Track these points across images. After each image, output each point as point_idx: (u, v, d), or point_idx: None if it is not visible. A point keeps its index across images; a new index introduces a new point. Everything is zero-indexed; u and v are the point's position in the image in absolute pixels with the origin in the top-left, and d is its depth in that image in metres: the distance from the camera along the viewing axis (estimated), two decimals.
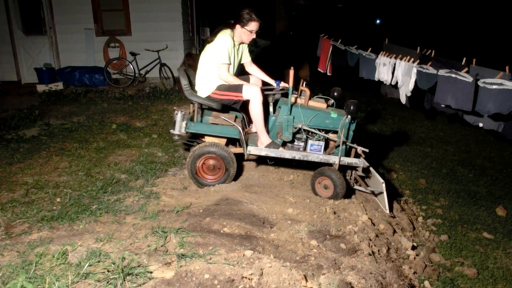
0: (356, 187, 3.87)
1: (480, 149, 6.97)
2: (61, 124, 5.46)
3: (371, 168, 3.76)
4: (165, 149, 4.65)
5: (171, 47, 8.48)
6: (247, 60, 3.98)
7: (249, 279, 2.02)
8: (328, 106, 3.78)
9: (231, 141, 3.82)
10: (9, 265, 2.13)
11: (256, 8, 3.57)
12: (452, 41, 14.40)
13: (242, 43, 3.74)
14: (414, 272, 2.97)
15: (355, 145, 3.55)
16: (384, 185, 3.51)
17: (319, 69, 6.96)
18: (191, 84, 3.69)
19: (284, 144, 3.68)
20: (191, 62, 8.48)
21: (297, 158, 3.58)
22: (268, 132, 3.69)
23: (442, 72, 4.21)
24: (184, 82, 3.59)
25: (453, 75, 4.06)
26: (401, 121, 8.37)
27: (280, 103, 3.74)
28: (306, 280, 2.12)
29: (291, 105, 3.54)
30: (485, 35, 16.37)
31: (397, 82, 5.17)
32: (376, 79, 5.54)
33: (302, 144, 3.64)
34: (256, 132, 3.82)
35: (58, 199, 3.25)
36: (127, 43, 8.45)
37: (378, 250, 2.85)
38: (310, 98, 3.74)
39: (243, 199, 3.28)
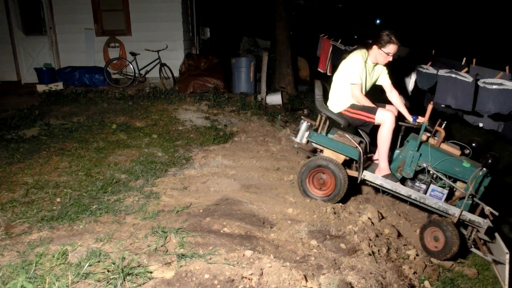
0: (473, 249, 3.44)
1: (480, 149, 6.95)
2: (61, 124, 5.45)
3: (496, 234, 3.36)
4: (165, 149, 4.65)
5: (171, 47, 8.48)
6: (386, 82, 3.73)
7: (249, 279, 2.02)
8: (462, 154, 3.46)
9: (345, 164, 3.66)
10: (9, 265, 2.13)
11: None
12: (452, 41, 14.40)
13: (377, 64, 3.60)
14: (414, 272, 2.97)
15: (483, 203, 3.18)
16: (508, 255, 3.06)
17: (319, 69, 6.96)
18: (325, 97, 3.65)
19: (403, 180, 3.45)
20: (191, 62, 8.48)
21: (412, 197, 3.35)
22: (389, 163, 3.51)
23: (442, 72, 4.20)
24: (318, 92, 3.60)
25: (453, 75, 4.05)
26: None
27: (409, 138, 3.54)
28: (306, 280, 2.12)
29: (421, 142, 3.32)
30: (485, 35, 16.36)
31: None
32: None
33: (424, 186, 3.37)
34: (374, 161, 3.75)
35: (58, 199, 3.25)
36: (127, 43, 8.45)
37: (378, 250, 2.85)
38: (443, 141, 3.47)
39: (243, 199, 3.28)
